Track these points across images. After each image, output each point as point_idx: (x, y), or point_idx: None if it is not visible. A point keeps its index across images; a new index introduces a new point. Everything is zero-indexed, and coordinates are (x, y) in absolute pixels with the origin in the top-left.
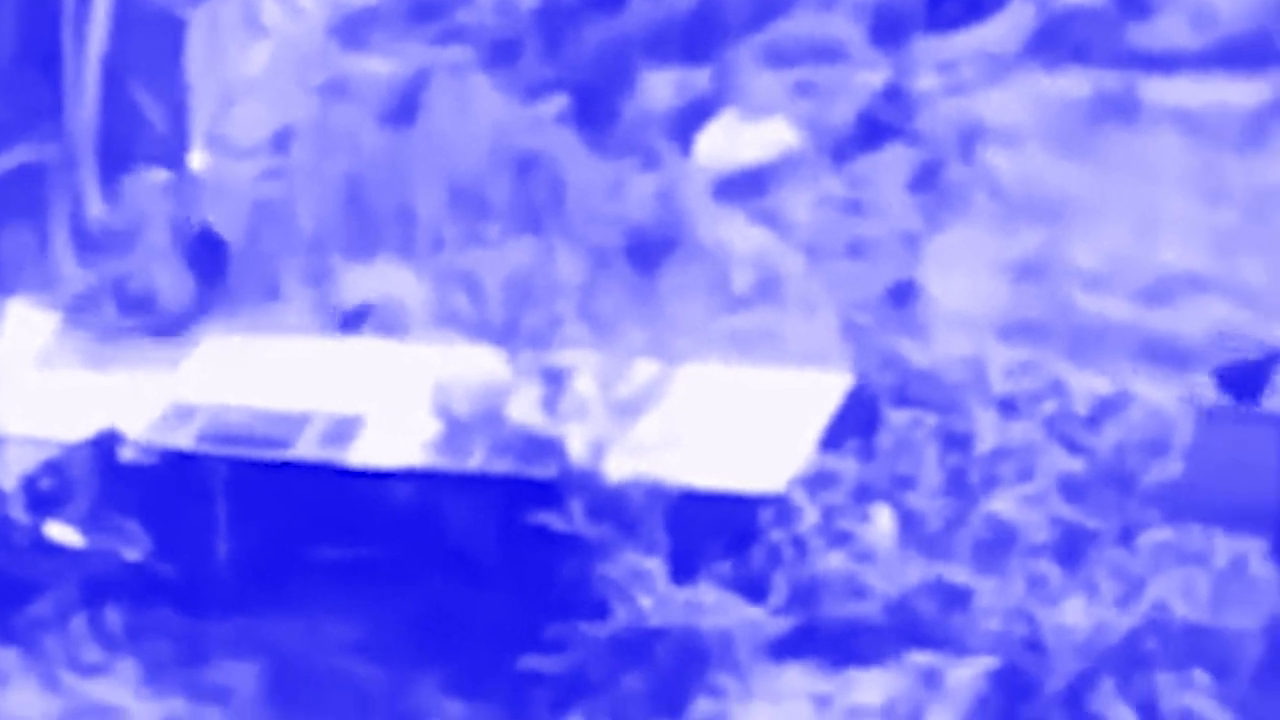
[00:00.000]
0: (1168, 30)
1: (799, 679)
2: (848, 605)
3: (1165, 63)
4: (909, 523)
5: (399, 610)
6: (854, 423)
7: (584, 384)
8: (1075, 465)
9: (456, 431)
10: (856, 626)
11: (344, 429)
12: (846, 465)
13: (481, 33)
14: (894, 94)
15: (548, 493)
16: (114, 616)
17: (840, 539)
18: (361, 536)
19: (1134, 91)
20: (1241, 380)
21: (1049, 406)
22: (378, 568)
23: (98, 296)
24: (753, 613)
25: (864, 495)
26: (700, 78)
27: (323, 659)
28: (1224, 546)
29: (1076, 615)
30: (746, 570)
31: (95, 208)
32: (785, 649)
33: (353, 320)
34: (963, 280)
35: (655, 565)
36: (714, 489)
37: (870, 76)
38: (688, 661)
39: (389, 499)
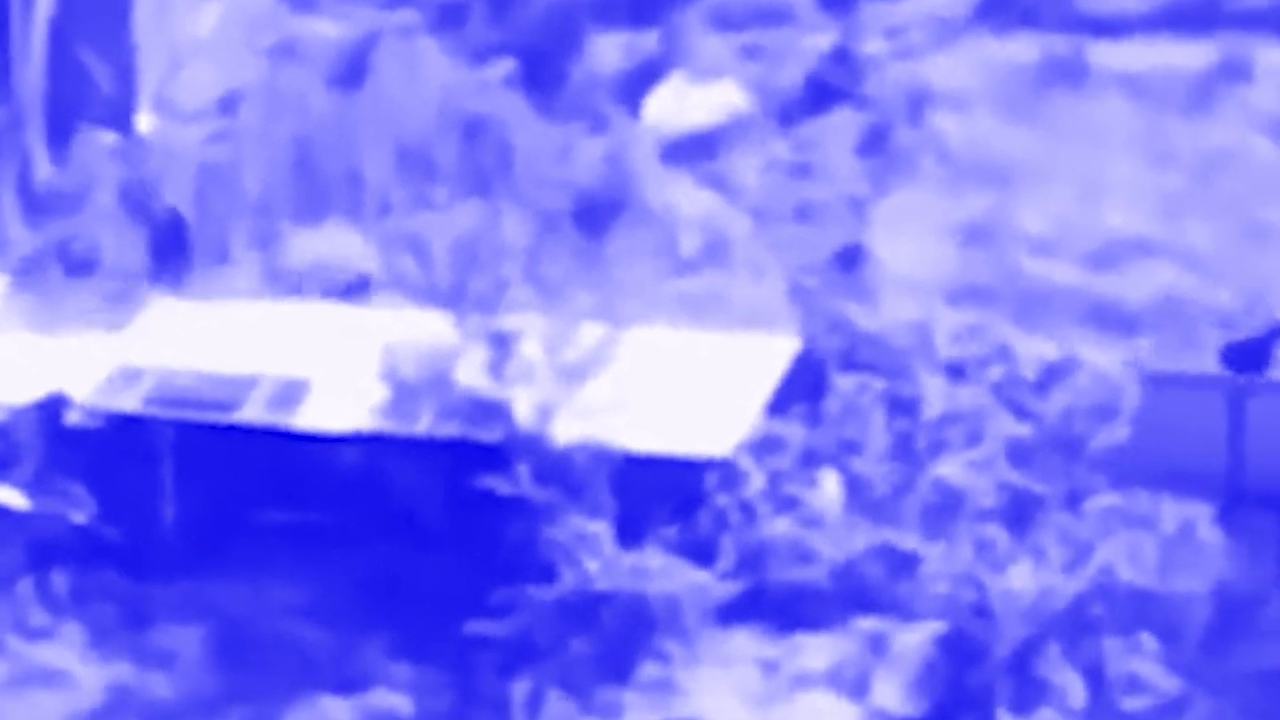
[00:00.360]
0: None
1: (746, 644)
2: (795, 570)
3: (1112, 27)
4: (856, 488)
5: (345, 574)
6: (801, 387)
7: (531, 348)
8: (1022, 430)
9: (403, 395)
10: (803, 592)
11: (291, 392)
12: (793, 430)
13: None
14: (842, 57)
15: (494, 456)
16: (60, 580)
17: (787, 504)
18: (308, 500)
19: (1081, 56)
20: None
21: (996, 371)
22: (324, 531)
23: (44, 259)
24: (699, 577)
25: (811, 460)
26: (648, 41)
27: (269, 623)
28: (1171, 511)
29: (1023, 580)
30: (693, 535)
31: (42, 170)
32: (732, 614)
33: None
34: (910, 244)
35: (602, 529)
36: (661, 453)
37: (818, 40)
38: (634, 626)
39: (336, 463)
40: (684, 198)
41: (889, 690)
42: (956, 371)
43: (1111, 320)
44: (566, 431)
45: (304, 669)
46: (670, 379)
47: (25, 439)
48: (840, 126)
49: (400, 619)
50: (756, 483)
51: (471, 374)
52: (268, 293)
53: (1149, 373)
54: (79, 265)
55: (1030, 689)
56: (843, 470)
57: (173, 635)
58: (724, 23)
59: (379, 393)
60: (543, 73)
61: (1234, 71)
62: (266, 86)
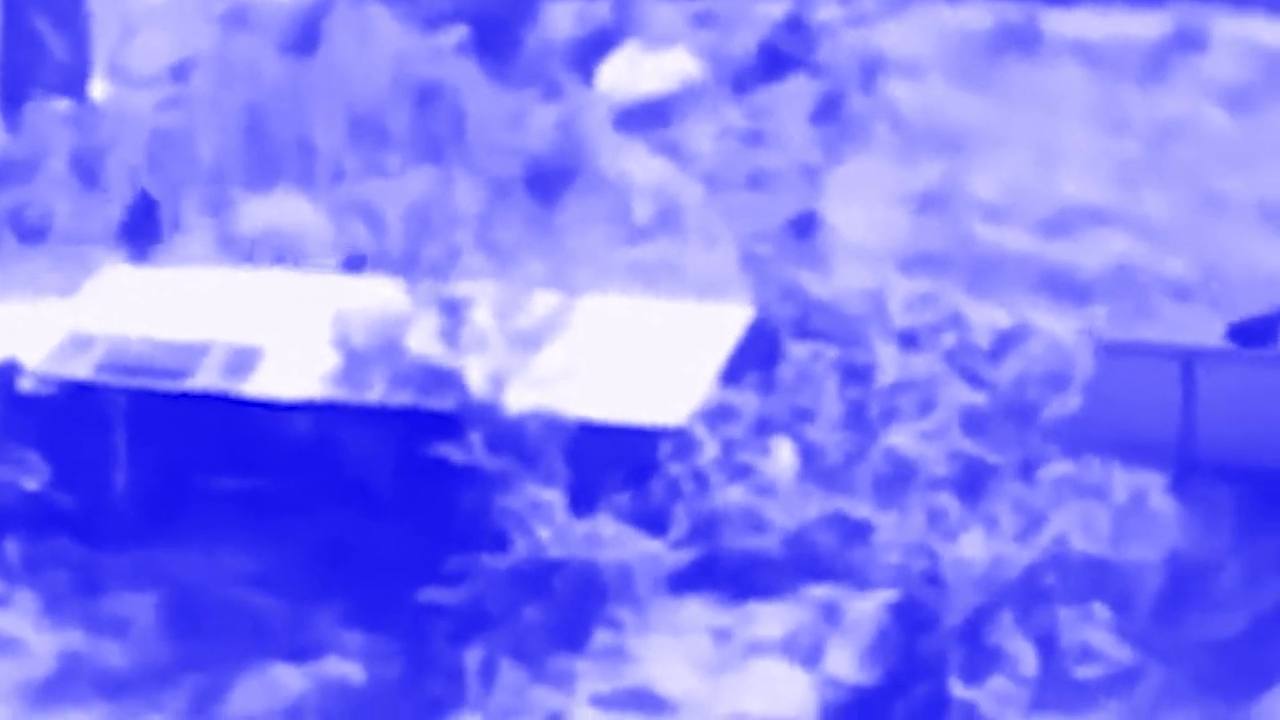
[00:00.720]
0: None
1: (698, 612)
2: (747, 538)
3: None
4: (809, 456)
5: (298, 542)
6: (754, 355)
7: (483, 315)
8: (975, 399)
9: (355, 363)
10: (756, 560)
11: (243, 360)
12: (746, 398)
13: None
14: (795, 25)
15: (447, 424)
16: (12, 547)
17: (740, 472)
18: (260, 468)
19: (1035, 23)
20: (1252, 332)
21: (949, 339)
22: (276, 499)
23: None
24: (652, 546)
25: (764, 428)
26: (601, 8)
27: (221, 590)
28: (1124, 481)
29: (976, 549)
30: (646, 503)
31: None
32: (685, 582)
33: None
34: (864, 212)
35: (554, 497)
36: (614, 421)
37: (771, 7)
38: (587, 594)
39: (288, 430)
40: (637, 165)
41: (841, 658)
42: (910, 339)
43: (1065, 288)
44: (519, 400)
45: (256, 637)
46: (623, 347)
47: None
48: (793, 94)
49: (352, 587)
50: (709, 451)
51: (424, 342)
52: (220, 260)
53: (1102, 341)
54: (32, 232)
55: (982, 657)
56: (796, 438)
57: (125, 602)
58: None
59: (331, 360)
60: (496, 40)
61: (1189, 41)
62: (219, 53)
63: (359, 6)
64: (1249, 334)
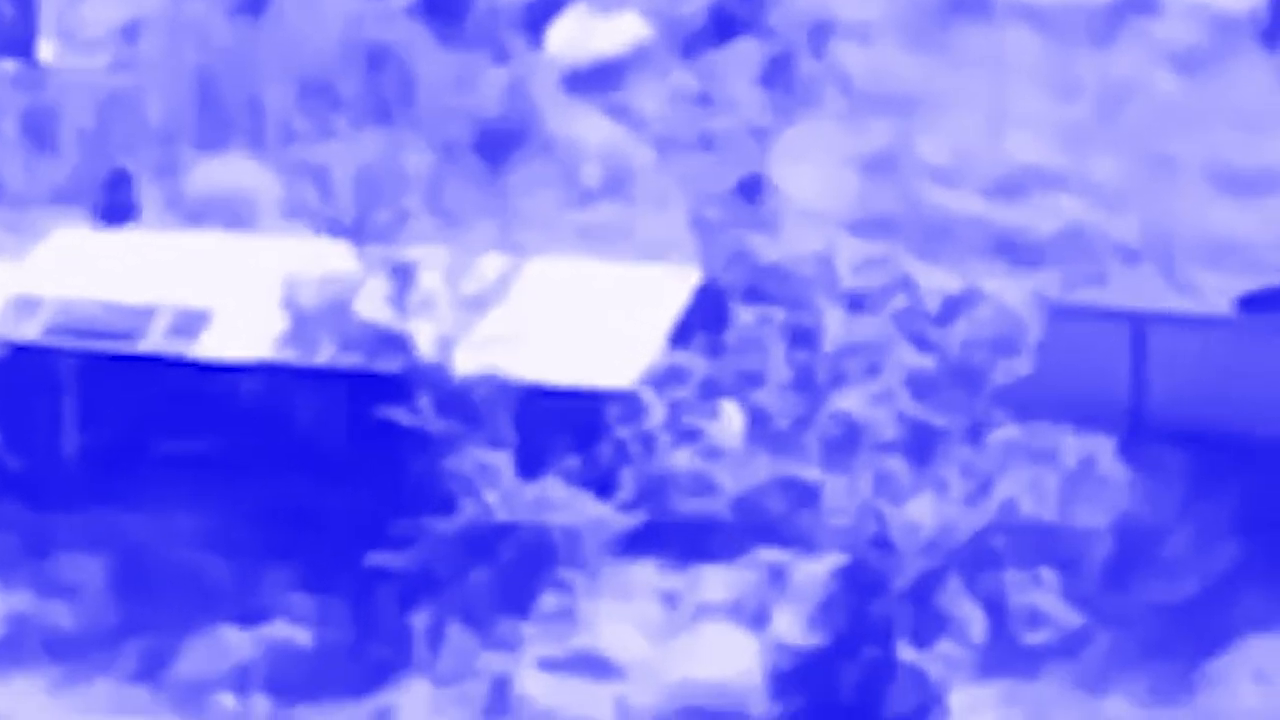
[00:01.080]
0: None
1: (647, 575)
2: (696, 502)
3: None
4: (757, 420)
5: (246, 504)
6: (702, 318)
7: (432, 278)
8: (924, 362)
9: (304, 325)
10: (704, 523)
11: (192, 322)
12: (694, 361)
13: None
14: None
15: (395, 387)
16: None
17: (688, 436)
18: (209, 430)
19: None
20: (1265, 301)
21: (898, 302)
22: (225, 462)
23: None
24: (600, 509)
25: (712, 392)
26: None
27: (170, 553)
28: (1072, 445)
29: (924, 513)
30: (594, 466)
31: None
32: (633, 545)
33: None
34: (813, 175)
35: (503, 461)
36: (562, 384)
37: None
38: (535, 557)
39: (237, 393)
40: (586, 128)
41: (789, 621)
42: (858, 303)
43: (1014, 251)
44: (467, 362)
45: (204, 599)
46: (571, 310)
47: None
48: (743, 57)
49: (301, 549)
50: (657, 414)
51: (372, 304)
52: (169, 222)
53: (1052, 304)
54: None
55: (931, 621)
56: (744, 402)
57: (74, 565)
58: None
59: (280, 323)
60: (445, 2)
61: (1138, 4)
62: (168, 15)
63: None
64: (1260, 304)
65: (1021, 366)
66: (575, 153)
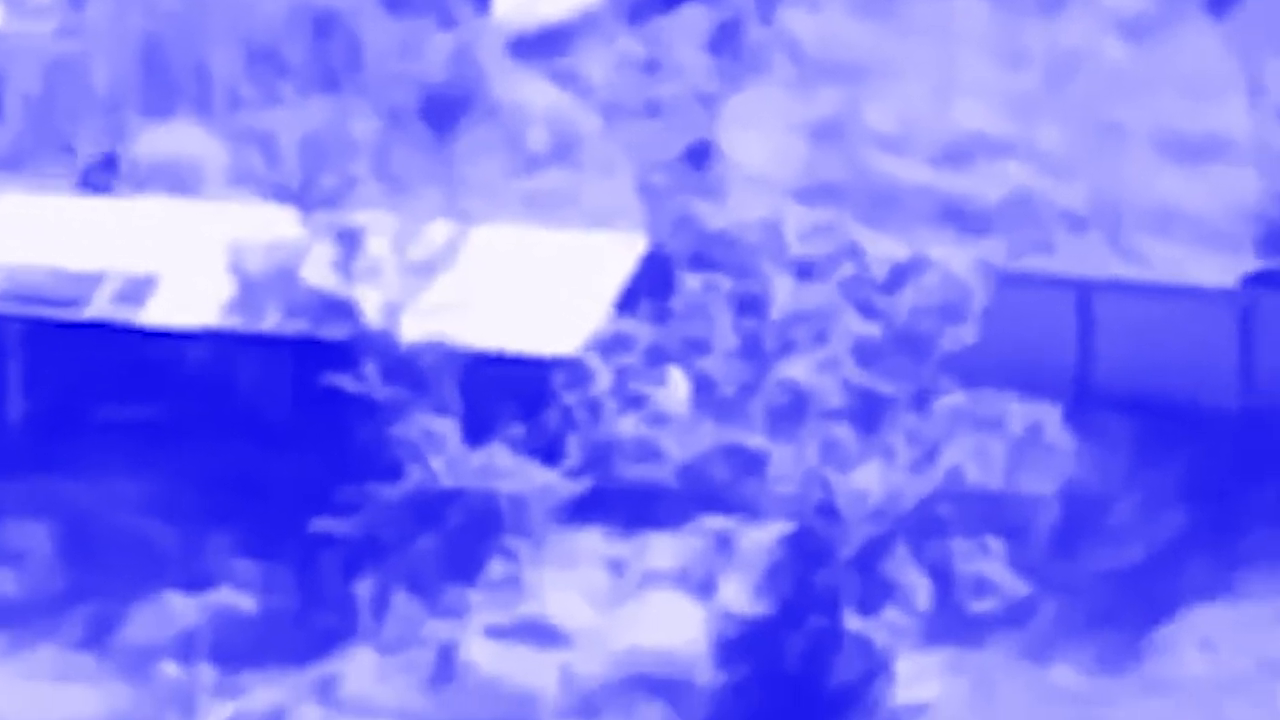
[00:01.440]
0: None
1: (592, 542)
2: (641, 469)
3: None
4: (703, 387)
5: (191, 470)
6: (649, 285)
7: (378, 245)
8: (871, 330)
9: (250, 292)
10: (650, 490)
11: (137, 288)
12: (641, 328)
13: None
14: None
15: (341, 354)
16: None
17: (634, 402)
18: (154, 396)
19: None
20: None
21: (845, 270)
22: (171, 428)
23: None
24: (546, 476)
25: (658, 359)
26: None
27: (115, 519)
28: (1019, 412)
29: (870, 480)
30: (540, 433)
31: None
32: (578, 512)
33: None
34: (760, 142)
35: (449, 428)
36: (508, 351)
37: None
38: (481, 524)
39: (182, 359)
40: (533, 94)
41: (736, 589)
42: (805, 270)
43: (961, 219)
44: (413, 329)
45: (149, 566)
46: (517, 277)
47: None
48: (691, 22)
49: (246, 516)
50: (603, 381)
51: (319, 271)
52: (115, 187)
53: (999, 272)
54: None
55: (877, 589)
56: (690, 369)
57: (19, 532)
58: None
59: (226, 289)
60: None
61: None
62: None
63: None
64: (1268, 280)
65: (968, 334)
66: (522, 119)
